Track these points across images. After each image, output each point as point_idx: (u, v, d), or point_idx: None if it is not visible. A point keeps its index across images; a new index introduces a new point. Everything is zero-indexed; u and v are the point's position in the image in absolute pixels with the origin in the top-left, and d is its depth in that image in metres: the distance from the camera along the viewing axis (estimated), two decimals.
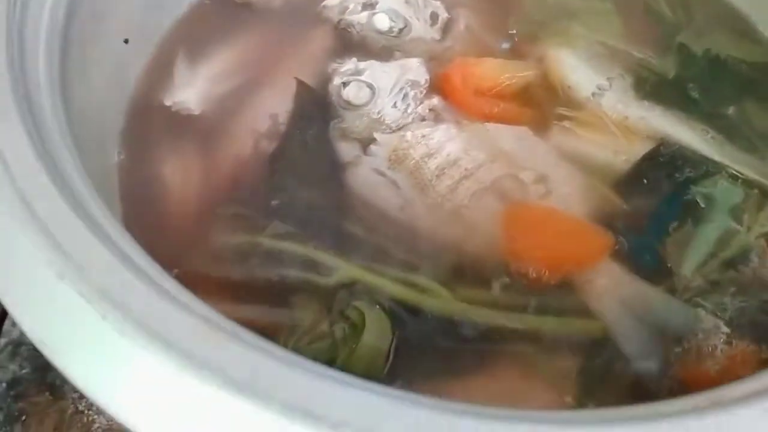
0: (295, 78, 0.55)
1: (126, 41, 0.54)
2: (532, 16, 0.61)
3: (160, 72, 0.56)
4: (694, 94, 0.56)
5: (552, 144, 0.53)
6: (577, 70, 0.57)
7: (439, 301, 0.44)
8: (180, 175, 0.51)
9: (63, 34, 0.45)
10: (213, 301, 0.44)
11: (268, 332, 0.43)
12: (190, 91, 0.55)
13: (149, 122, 0.53)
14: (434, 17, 0.60)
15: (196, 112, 0.54)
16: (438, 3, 0.61)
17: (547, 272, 0.45)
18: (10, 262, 0.32)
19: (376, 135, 0.52)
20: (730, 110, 0.56)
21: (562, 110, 0.55)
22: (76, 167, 0.38)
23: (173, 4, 0.59)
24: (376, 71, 0.54)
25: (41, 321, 0.31)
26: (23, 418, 0.49)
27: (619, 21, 0.60)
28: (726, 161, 0.52)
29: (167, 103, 0.54)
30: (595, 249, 0.47)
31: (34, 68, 0.41)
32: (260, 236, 0.47)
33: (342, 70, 0.54)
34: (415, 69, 0.55)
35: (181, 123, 0.53)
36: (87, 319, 0.30)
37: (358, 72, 0.54)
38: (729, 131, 0.54)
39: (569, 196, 0.50)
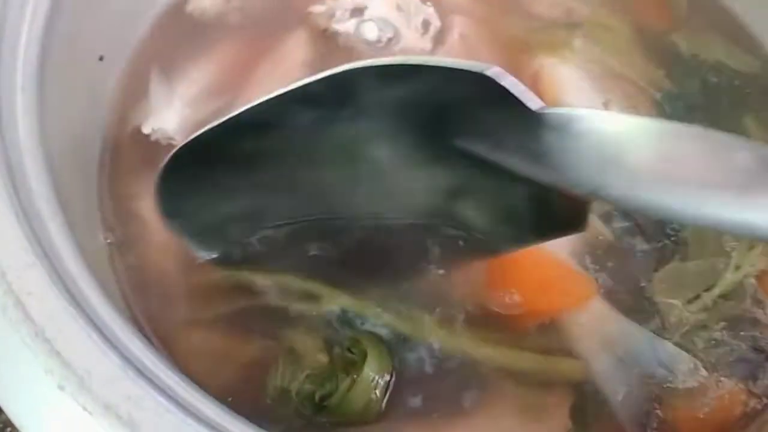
0: None
1: (101, 58, 0.51)
2: (532, 26, 0.58)
3: (135, 92, 0.53)
4: None
5: None
6: (570, 92, 0.54)
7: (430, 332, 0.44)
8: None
9: (39, 61, 0.42)
10: (208, 343, 0.45)
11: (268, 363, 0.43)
12: (169, 115, 0.52)
13: (128, 154, 0.51)
14: (426, 25, 0.57)
15: (176, 140, 0.51)
16: (431, 10, 0.58)
17: (529, 318, 0.46)
18: (8, 368, 0.31)
19: None
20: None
21: None
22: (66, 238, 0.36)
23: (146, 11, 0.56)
24: None
25: None
26: None
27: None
28: None
29: (146, 131, 0.51)
30: (578, 297, 0.47)
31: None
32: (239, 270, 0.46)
33: None
34: None
35: (160, 154, 0.50)
36: None
37: None
38: None
39: None
